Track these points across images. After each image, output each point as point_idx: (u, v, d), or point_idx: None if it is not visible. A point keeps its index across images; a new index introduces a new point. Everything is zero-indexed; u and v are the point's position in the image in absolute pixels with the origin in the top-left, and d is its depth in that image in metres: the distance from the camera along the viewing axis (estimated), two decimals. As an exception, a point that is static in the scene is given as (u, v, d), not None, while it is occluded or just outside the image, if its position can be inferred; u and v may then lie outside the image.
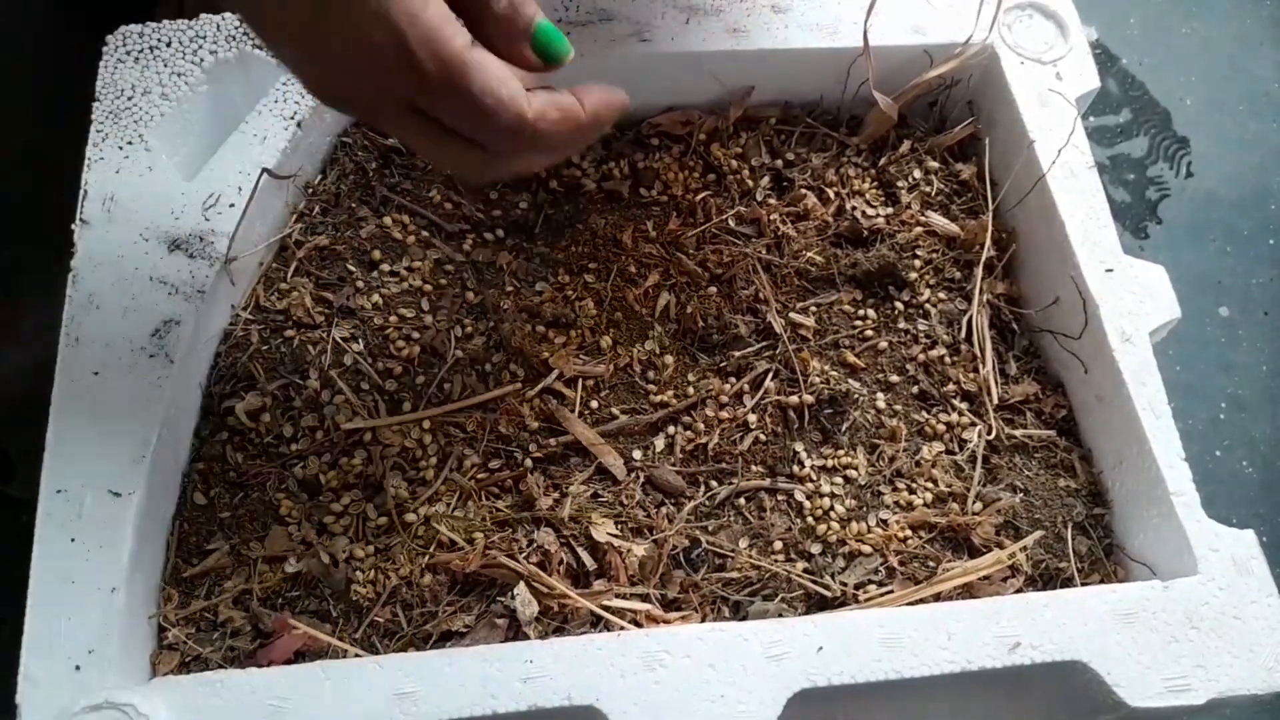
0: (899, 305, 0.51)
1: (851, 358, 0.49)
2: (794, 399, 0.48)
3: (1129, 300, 0.47)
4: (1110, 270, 0.47)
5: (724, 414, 0.47)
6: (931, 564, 0.44)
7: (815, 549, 0.45)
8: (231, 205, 0.46)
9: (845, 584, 0.44)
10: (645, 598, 0.43)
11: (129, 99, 0.48)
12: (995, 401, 0.48)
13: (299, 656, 0.41)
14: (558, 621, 0.42)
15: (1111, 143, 0.66)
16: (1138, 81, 0.69)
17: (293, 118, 0.49)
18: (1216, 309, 0.61)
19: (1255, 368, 0.59)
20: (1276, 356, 0.60)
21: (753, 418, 0.47)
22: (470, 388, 0.47)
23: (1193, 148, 0.67)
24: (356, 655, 0.41)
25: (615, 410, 0.47)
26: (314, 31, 0.35)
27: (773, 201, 0.53)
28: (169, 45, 0.49)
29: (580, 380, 0.47)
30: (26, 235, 0.57)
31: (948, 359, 0.50)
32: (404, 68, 0.35)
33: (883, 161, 0.54)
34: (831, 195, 0.53)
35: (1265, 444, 0.58)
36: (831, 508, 0.45)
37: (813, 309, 0.50)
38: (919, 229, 0.52)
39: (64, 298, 0.43)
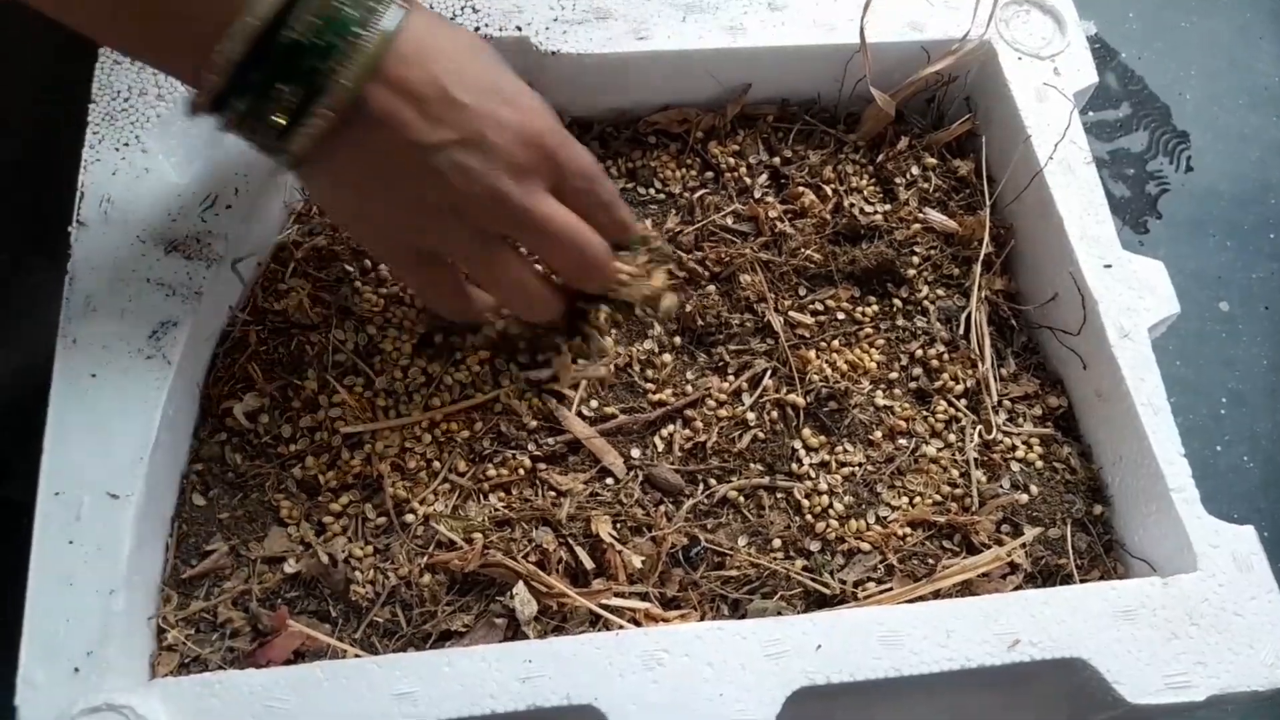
0: (897, 302, 0.51)
1: (850, 355, 0.49)
2: (792, 397, 0.47)
3: (1128, 296, 0.47)
4: (1109, 266, 0.47)
5: (722, 412, 0.47)
6: (930, 561, 0.44)
7: (814, 546, 0.45)
8: (229, 207, 0.46)
9: (844, 582, 0.44)
10: (644, 596, 0.43)
11: (125, 100, 0.48)
12: (994, 398, 0.48)
13: (298, 657, 0.41)
14: (557, 621, 0.42)
15: (1111, 138, 0.66)
16: (1136, 76, 0.68)
17: (289, 118, 0.48)
18: (1217, 304, 0.61)
19: (1256, 362, 0.59)
20: (1277, 351, 0.60)
21: (751, 415, 0.47)
22: (468, 387, 0.47)
23: (1192, 142, 0.66)
24: (356, 655, 0.41)
25: (614, 409, 0.47)
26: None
27: (770, 199, 0.52)
28: (165, 46, 0.49)
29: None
30: (23, 237, 0.57)
31: (946, 355, 0.49)
32: (542, 159, 0.39)
33: (880, 158, 0.54)
34: (829, 192, 0.53)
35: (1266, 439, 0.58)
36: (830, 505, 0.45)
37: (811, 306, 0.50)
38: (917, 226, 0.52)
39: (61, 300, 0.43)
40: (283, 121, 0.36)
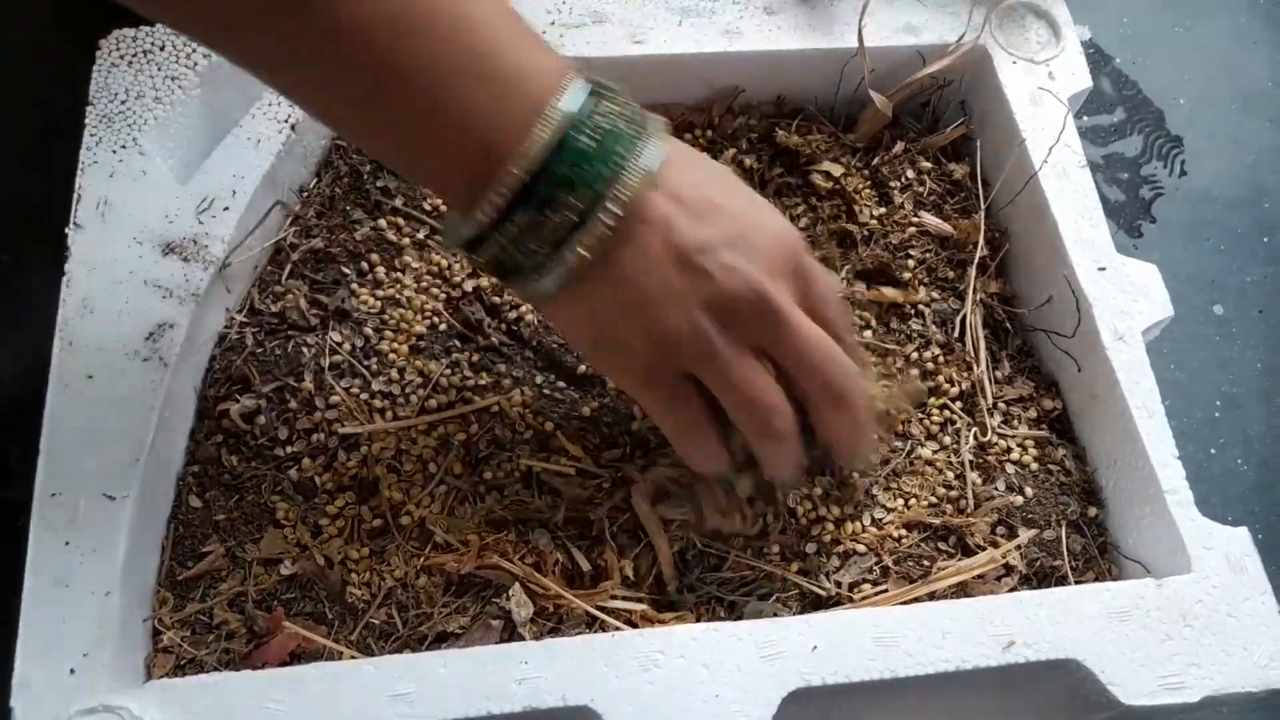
0: (893, 305, 0.51)
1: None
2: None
3: (1122, 299, 0.47)
4: (1103, 269, 0.47)
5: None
6: (926, 563, 0.44)
7: (810, 549, 0.45)
8: (226, 209, 0.46)
9: (839, 583, 0.44)
10: (640, 598, 0.43)
11: (123, 103, 0.48)
12: (989, 401, 0.48)
13: (294, 658, 0.41)
14: (553, 622, 0.42)
15: (1105, 142, 0.67)
16: (1131, 81, 0.69)
17: (287, 120, 0.49)
18: (1210, 307, 0.61)
19: (1250, 365, 0.59)
20: (1271, 354, 0.60)
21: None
22: (466, 390, 0.47)
23: (1186, 146, 0.67)
24: (352, 657, 0.41)
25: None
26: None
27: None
28: (163, 49, 0.49)
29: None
30: (22, 238, 0.57)
31: (941, 358, 0.50)
32: (794, 268, 0.39)
33: (875, 162, 0.54)
34: (825, 194, 0.53)
35: (1260, 442, 0.58)
36: (826, 508, 0.45)
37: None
38: (912, 229, 0.52)
39: (58, 302, 0.43)
40: (561, 235, 0.36)
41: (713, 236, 0.37)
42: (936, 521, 0.45)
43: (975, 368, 0.49)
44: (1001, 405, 0.49)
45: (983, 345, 0.50)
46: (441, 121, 0.35)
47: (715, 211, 0.38)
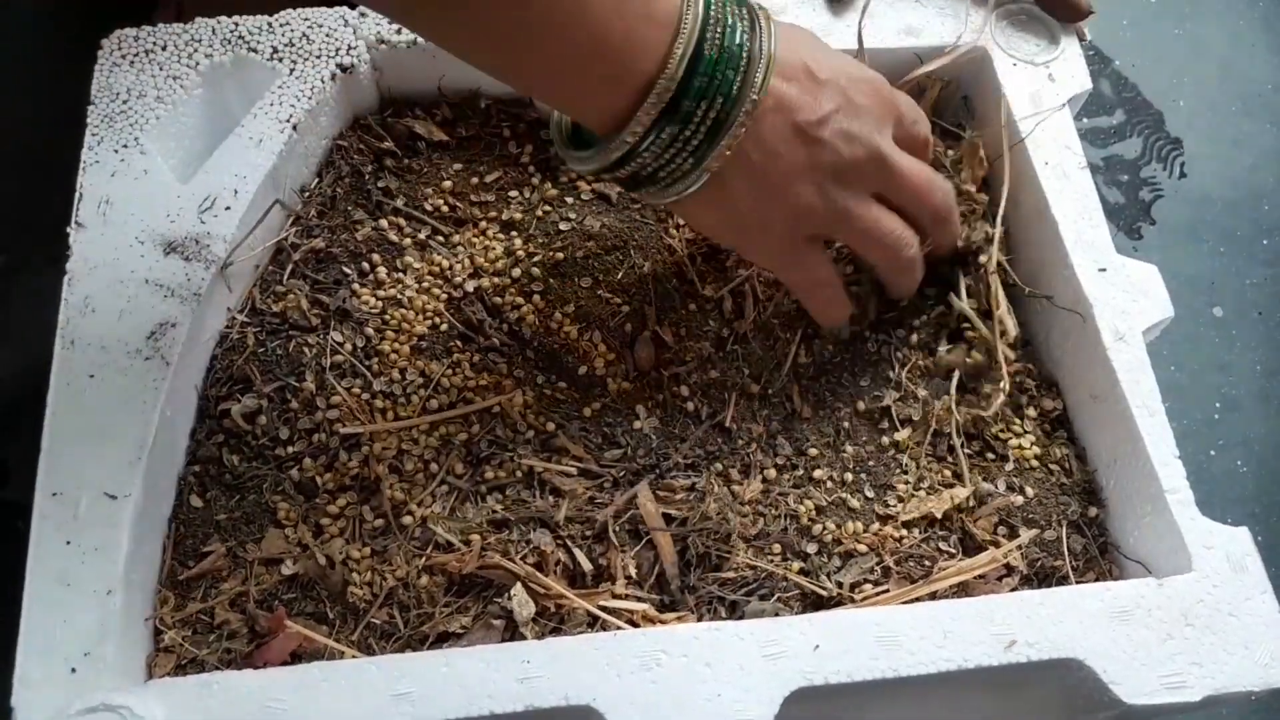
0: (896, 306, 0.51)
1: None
2: (793, 399, 0.48)
3: (1122, 299, 0.47)
4: (1103, 270, 0.48)
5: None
6: (927, 563, 0.44)
7: (811, 549, 0.45)
8: (227, 208, 0.46)
9: (841, 583, 0.44)
10: (642, 598, 0.43)
11: (124, 102, 0.48)
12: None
13: (295, 658, 0.41)
14: (554, 622, 0.42)
15: (1105, 144, 0.67)
16: (1130, 83, 0.69)
17: (288, 120, 0.49)
18: (1210, 309, 0.61)
19: (1249, 367, 0.60)
20: (1270, 356, 0.60)
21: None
22: (467, 390, 0.47)
23: (1186, 149, 0.67)
24: (353, 656, 0.40)
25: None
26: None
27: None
28: (164, 49, 0.49)
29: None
30: (22, 238, 0.57)
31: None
32: (890, 110, 0.43)
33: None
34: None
35: (1260, 443, 0.58)
36: (827, 507, 0.46)
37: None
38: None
39: (60, 301, 0.43)
40: (701, 141, 0.39)
41: (826, 108, 0.41)
42: (938, 520, 0.45)
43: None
44: (1002, 405, 0.49)
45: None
46: (582, 47, 0.37)
47: (821, 84, 0.41)
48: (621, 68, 0.38)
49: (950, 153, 0.52)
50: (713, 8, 0.38)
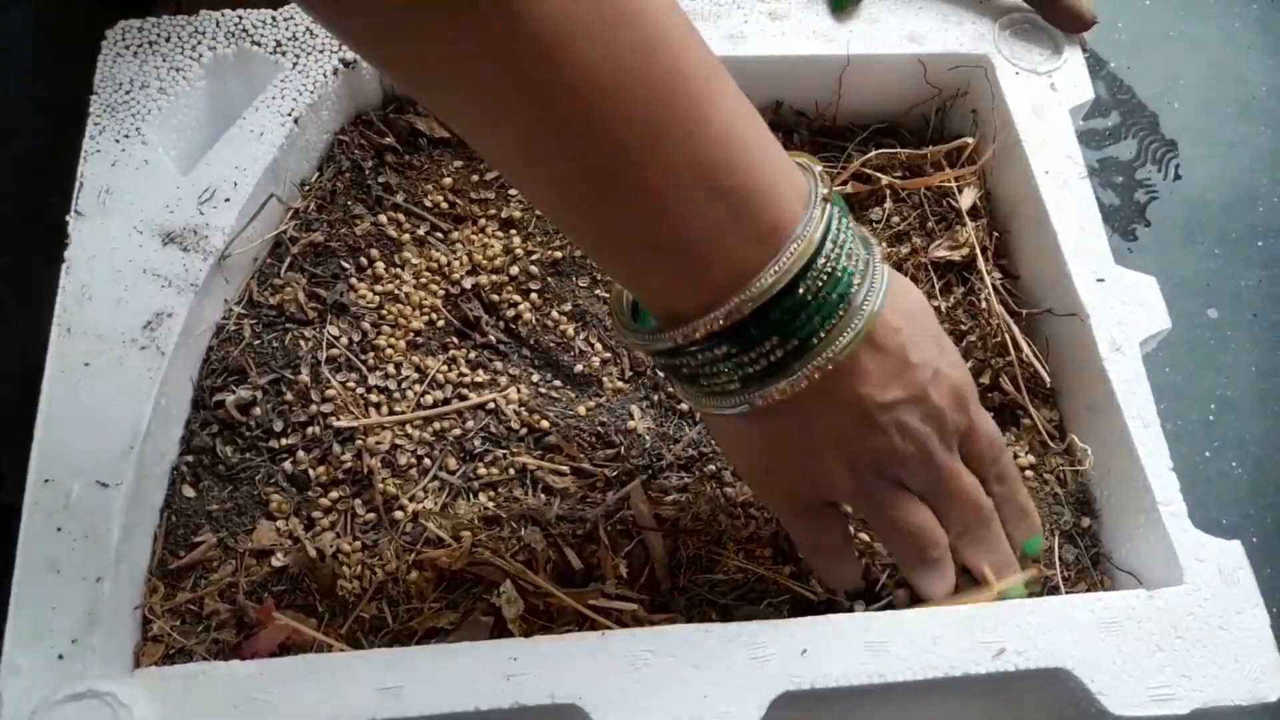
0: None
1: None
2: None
3: (1120, 310, 0.47)
4: (1101, 280, 0.48)
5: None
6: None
7: (802, 553, 0.45)
8: (227, 200, 0.46)
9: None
10: (632, 599, 0.43)
11: (127, 93, 0.48)
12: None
13: (284, 650, 0.41)
14: (543, 620, 0.42)
15: (1100, 146, 0.67)
16: (1125, 85, 0.69)
17: (290, 114, 0.49)
18: (1205, 311, 0.61)
19: (1245, 369, 0.59)
20: (1266, 358, 0.60)
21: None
22: (462, 387, 0.47)
23: (1181, 150, 0.67)
24: (341, 650, 0.40)
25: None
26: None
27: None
28: (168, 40, 0.50)
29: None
30: (18, 243, 0.57)
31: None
32: (964, 419, 0.38)
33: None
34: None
35: (1255, 445, 0.57)
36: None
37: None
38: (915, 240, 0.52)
39: (54, 307, 0.43)
40: (757, 374, 0.34)
41: (899, 395, 0.36)
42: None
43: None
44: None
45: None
46: (667, 233, 0.32)
47: (907, 367, 0.36)
48: (700, 270, 0.33)
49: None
50: (828, 244, 0.33)
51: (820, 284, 0.33)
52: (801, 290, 0.33)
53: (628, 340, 0.37)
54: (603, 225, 0.33)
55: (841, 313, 0.34)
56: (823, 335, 0.34)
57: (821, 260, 0.33)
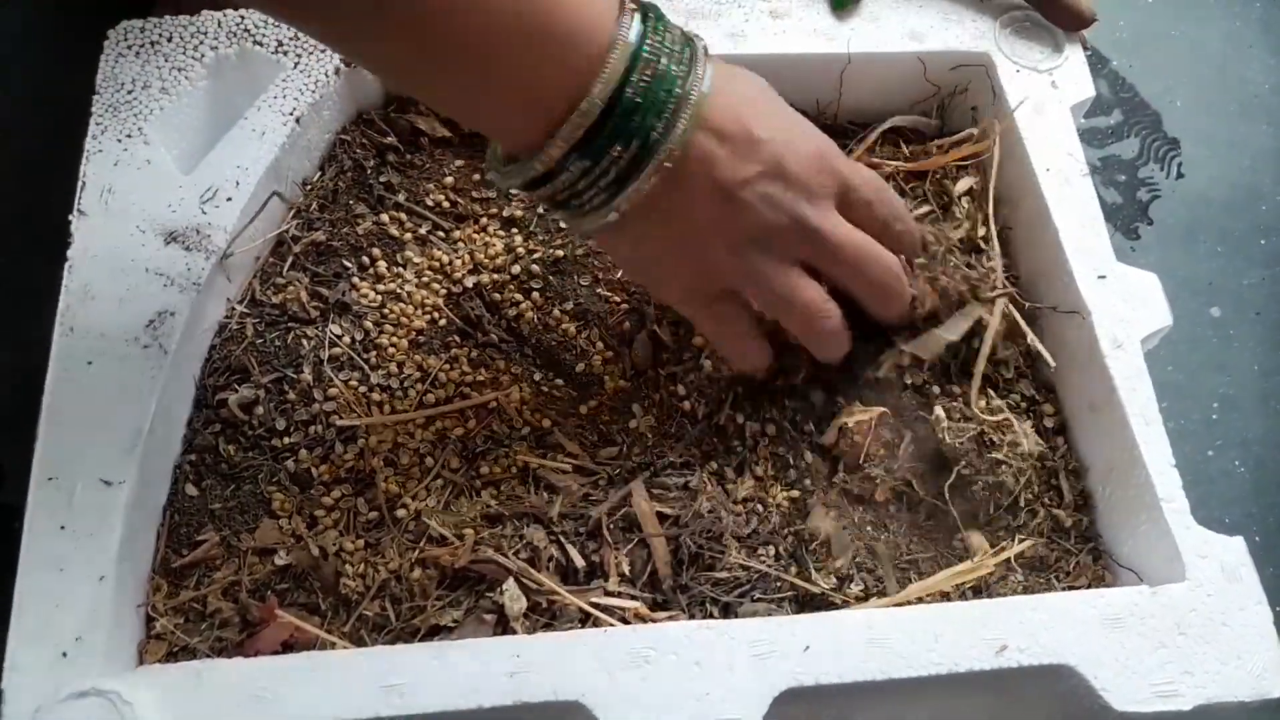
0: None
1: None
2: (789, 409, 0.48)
3: (1121, 308, 0.47)
4: (1103, 277, 0.48)
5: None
6: (922, 567, 0.44)
7: (804, 550, 0.45)
8: (229, 199, 0.47)
9: (834, 585, 0.44)
10: (634, 596, 0.43)
11: (129, 92, 0.48)
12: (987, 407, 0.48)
13: (286, 648, 0.41)
14: (546, 618, 0.42)
15: (1102, 144, 0.67)
16: (1128, 84, 0.69)
17: (292, 114, 0.49)
18: (1208, 309, 0.61)
19: (1247, 368, 0.59)
20: (1268, 356, 0.60)
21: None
22: (464, 386, 0.47)
23: (1183, 149, 0.67)
24: (344, 648, 0.41)
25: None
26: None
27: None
28: (170, 40, 0.50)
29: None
30: (19, 243, 0.57)
31: (940, 364, 0.49)
32: (832, 181, 0.41)
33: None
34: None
35: (1258, 444, 0.57)
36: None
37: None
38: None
39: (56, 307, 0.43)
40: (612, 181, 0.38)
41: (752, 170, 0.39)
42: (932, 525, 0.45)
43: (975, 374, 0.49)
44: (999, 411, 0.49)
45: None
46: (502, 78, 0.36)
47: (754, 144, 0.39)
48: (534, 96, 0.37)
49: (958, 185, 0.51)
50: (646, 48, 0.37)
51: (645, 83, 0.37)
52: (630, 92, 0.37)
53: (505, 183, 0.40)
54: (448, 82, 0.37)
55: (673, 106, 0.37)
56: (659, 130, 0.37)
57: (641, 63, 0.37)
